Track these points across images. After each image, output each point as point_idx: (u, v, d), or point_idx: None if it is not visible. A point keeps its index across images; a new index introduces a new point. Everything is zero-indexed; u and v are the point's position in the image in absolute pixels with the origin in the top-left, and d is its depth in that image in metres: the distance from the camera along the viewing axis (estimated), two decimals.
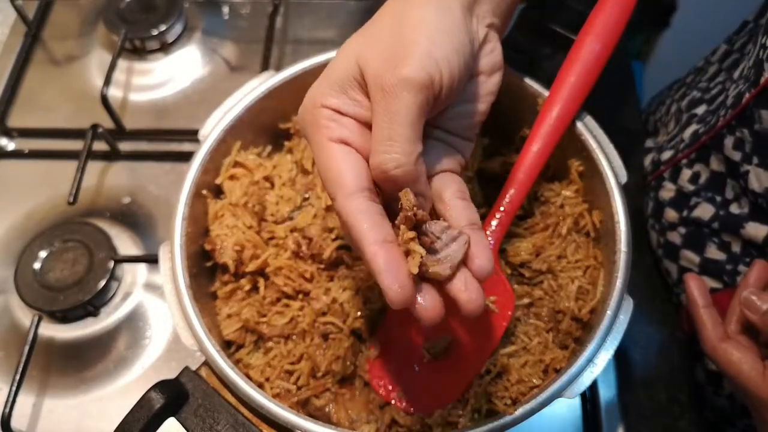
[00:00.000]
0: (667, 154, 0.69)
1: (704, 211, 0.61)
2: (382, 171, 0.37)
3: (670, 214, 0.65)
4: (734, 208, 0.59)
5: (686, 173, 0.64)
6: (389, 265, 0.34)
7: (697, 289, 0.52)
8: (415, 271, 0.35)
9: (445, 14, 0.39)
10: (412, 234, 0.36)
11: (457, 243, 0.37)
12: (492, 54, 0.43)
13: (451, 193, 0.40)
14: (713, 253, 0.61)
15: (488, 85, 0.43)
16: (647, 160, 0.73)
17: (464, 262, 0.37)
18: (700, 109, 0.67)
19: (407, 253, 0.36)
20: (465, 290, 0.36)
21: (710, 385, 0.65)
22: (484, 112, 0.43)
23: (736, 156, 0.57)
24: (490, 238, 0.50)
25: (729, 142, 0.57)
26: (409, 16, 0.38)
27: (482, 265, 0.37)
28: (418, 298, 0.35)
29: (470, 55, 0.40)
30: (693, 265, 0.63)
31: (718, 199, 0.61)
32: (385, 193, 0.39)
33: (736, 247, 0.60)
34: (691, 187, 0.64)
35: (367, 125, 0.38)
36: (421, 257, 0.35)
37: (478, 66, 0.42)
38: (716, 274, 0.61)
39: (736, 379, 0.48)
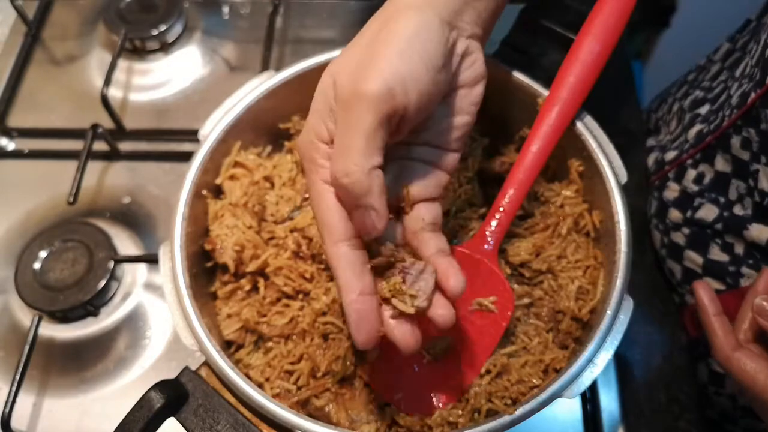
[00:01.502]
0: (671, 155, 0.68)
1: (708, 212, 0.61)
2: (334, 179, 0.37)
3: (674, 215, 0.65)
4: (738, 210, 0.59)
5: (691, 173, 0.64)
6: (360, 319, 0.38)
7: (707, 296, 0.52)
8: (401, 315, 0.40)
9: (422, 30, 0.39)
10: (389, 292, 0.40)
11: (426, 273, 0.40)
12: (474, 66, 0.43)
13: (422, 226, 0.43)
14: (716, 254, 0.61)
15: (471, 96, 0.43)
16: (650, 160, 0.73)
17: (438, 286, 0.40)
18: (704, 109, 0.67)
19: (386, 300, 0.40)
20: (440, 313, 0.40)
21: (712, 385, 0.65)
22: (468, 123, 0.44)
23: (745, 155, 0.56)
24: (490, 238, 0.50)
25: (736, 141, 0.57)
26: (385, 32, 0.39)
27: (456, 284, 0.40)
28: (396, 334, 0.39)
29: (444, 72, 0.40)
30: (696, 266, 0.63)
31: (722, 200, 0.61)
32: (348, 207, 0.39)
33: (739, 249, 0.60)
34: (695, 188, 0.63)
35: None
36: (399, 307, 0.40)
37: (458, 80, 0.42)
38: (719, 276, 0.61)
39: (752, 389, 0.47)
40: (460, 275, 0.40)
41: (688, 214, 0.63)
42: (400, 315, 0.39)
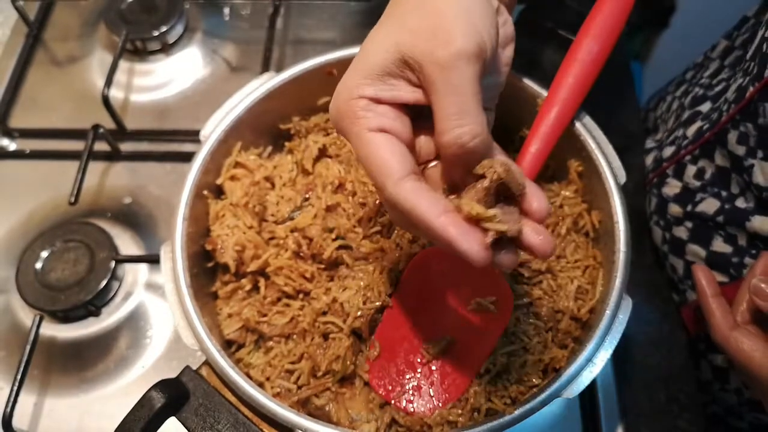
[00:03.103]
0: (668, 151, 0.68)
1: (709, 205, 0.61)
2: (459, 145, 0.37)
3: (675, 209, 0.65)
4: (740, 203, 0.59)
5: (691, 169, 0.64)
6: (462, 232, 0.35)
7: (705, 278, 0.52)
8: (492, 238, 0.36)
9: None
10: (481, 209, 0.36)
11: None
12: (505, 26, 0.44)
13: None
14: (719, 246, 0.61)
15: (504, 57, 0.44)
16: (648, 159, 0.73)
17: (521, 210, 0.39)
18: (705, 107, 0.67)
19: (476, 222, 0.36)
20: (538, 235, 0.38)
21: (717, 381, 0.65)
22: (503, 84, 0.45)
23: (740, 150, 0.57)
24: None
25: (733, 137, 0.57)
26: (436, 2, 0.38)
27: (541, 204, 0.38)
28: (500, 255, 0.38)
29: (498, 26, 0.40)
30: (699, 260, 0.63)
31: (724, 193, 0.61)
32: (455, 168, 0.39)
33: (742, 240, 0.60)
34: (697, 183, 0.64)
35: (403, 110, 0.39)
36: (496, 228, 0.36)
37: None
38: (722, 268, 0.61)
39: (747, 367, 0.48)
40: (541, 193, 0.39)
41: (689, 208, 0.63)
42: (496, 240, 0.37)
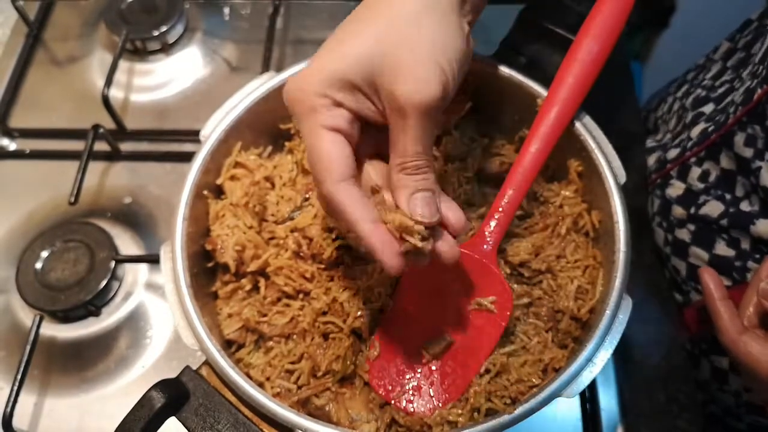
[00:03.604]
0: (673, 153, 0.68)
1: (713, 208, 0.61)
2: (409, 174, 0.41)
3: (678, 211, 0.65)
4: (745, 206, 0.59)
5: (695, 171, 0.64)
6: (382, 242, 0.40)
7: (713, 281, 0.52)
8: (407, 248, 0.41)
9: (444, 19, 0.41)
10: (409, 223, 0.40)
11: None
12: (469, 46, 0.45)
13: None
14: (722, 249, 0.61)
15: (462, 74, 0.45)
16: (651, 159, 0.73)
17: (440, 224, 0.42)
18: (708, 108, 0.67)
19: (399, 231, 0.41)
20: (447, 247, 0.42)
21: (715, 382, 0.65)
22: (459, 101, 0.48)
23: (748, 153, 0.57)
24: (489, 239, 0.51)
25: (740, 139, 0.57)
26: (413, 22, 0.40)
27: (458, 219, 0.43)
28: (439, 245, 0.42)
29: (463, 52, 0.42)
30: (702, 262, 0.63)
31: (728, 196, 0.61)
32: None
33: (745, 244, 0.60)
34: (700, 185, 0.63)
35: (359, 119, 0.42)
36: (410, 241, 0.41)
37: None
38: (725, 271, 0.61)
39: (755, 371, 0.48)
40: (458, 210, 0.43)
41: (692, 210, 0.63)
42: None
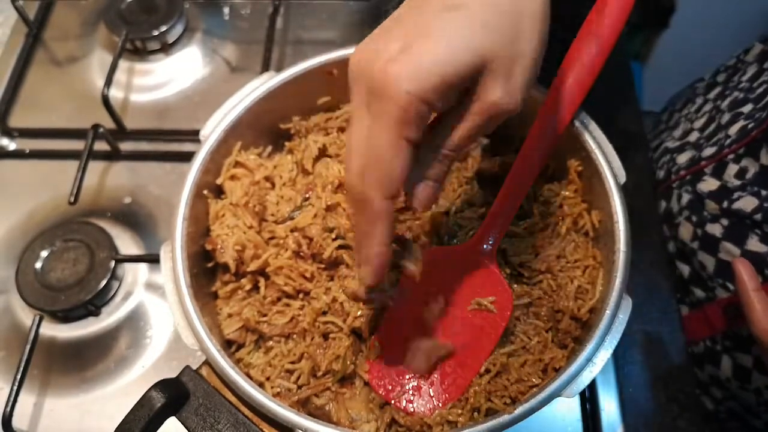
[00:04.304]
0: (709, 151, 0.68)
1: (747, 203, 0.61)
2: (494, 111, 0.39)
3: (711, 206, 0.65)
4: None
5: (732, 168, 0.64)
6: (381, 265, 0.40)
7: (747, 272, 0.52)
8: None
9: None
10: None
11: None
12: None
13: None
14: (754, 245, 0.61)
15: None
16: (683, 157, 0.73)
17: None
18: (746, 108, 0.68)
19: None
20: (411, 266, 0.46)
21: (737, 380, 0.65)
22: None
23: None
24: (488, 239, 0.51)
25: None
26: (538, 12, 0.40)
27: (426, 196, 0.41)
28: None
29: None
30: (732, 258, 0.63)
31: (764, 192, 0.60)
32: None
33: None
34: (737, 182, 0.63)
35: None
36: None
37: None
38: (757, 267, 0.60)
39: None
40: (433, 194, 0.42)
41: (725, 204, 0.63)
42: None
